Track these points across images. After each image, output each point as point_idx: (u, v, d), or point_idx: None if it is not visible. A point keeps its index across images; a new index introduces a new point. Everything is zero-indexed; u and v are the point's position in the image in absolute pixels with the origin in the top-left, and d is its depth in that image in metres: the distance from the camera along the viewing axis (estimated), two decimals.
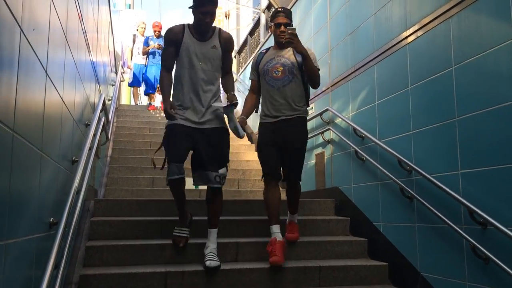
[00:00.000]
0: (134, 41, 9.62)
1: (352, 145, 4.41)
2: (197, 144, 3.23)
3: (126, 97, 12.78)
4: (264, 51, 3.71)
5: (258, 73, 3.67)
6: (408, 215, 3.56)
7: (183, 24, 3.28)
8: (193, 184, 3.36)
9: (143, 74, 9.29)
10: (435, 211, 3.17)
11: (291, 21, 3.55)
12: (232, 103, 3.18)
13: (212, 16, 3.13)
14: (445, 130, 3.15)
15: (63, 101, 2.63)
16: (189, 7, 3.17)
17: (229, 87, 3.46)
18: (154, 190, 5.14)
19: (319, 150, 5.29)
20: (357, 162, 4.34)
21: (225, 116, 3.34)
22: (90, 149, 3.52)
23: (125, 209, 4.12)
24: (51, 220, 2.37)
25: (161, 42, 8.82)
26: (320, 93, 5.28)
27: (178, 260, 3.45)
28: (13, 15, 1.58)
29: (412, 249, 3.50)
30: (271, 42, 7.64)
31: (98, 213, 4.03)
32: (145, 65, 9.25)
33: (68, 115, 2.87)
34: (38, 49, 1.98)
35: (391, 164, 3.75)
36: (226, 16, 18.17)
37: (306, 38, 5.80)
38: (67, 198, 2.58)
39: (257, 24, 9.78)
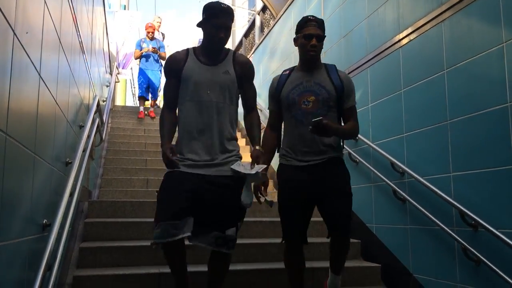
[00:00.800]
0: None
1: (346, 147, 4.43)
2: (201, 194, 2.44)
3: (121, 98, 12.77)
4: (287, 72, 2.78)
5: (279, 103, 2.75)
6: (400, 217, 3.59)
7: (187, 49, 2.59)
8: (190, 242, 2.49)
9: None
10: (427, 213, 3.19)
11: (324, 33, 2.70)
12: (259, 171, 2.38)
13: (227, 31, 2.45)
14: (437, 132, 3.18)
15: (56, 102, 2.63)
16: (197, 25, 2.50)
17: (254, 132, 2.60)
18: (149, 191, 5.14)
19: None
20: (351, 164, 4.36)
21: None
22: (84, 150, 3.52)
23: (119, 210, 4.12)
24: (44, 221, 2.37)
25: (154, 45, 8.54)
26: None
27: None
28: (5, 18, 1.59)
29: (405, 251, 3.52)
30: (265, 44, 7.67)
31: (92, 214, 4.03)
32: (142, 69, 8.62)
33: (62, 116, 2.87)
34: (31, 51, 1.99)
35: (384, 166, 3.78)
36: None
37: None
38: (60, 199, 2.58)
39: (252, 25, 9.80)
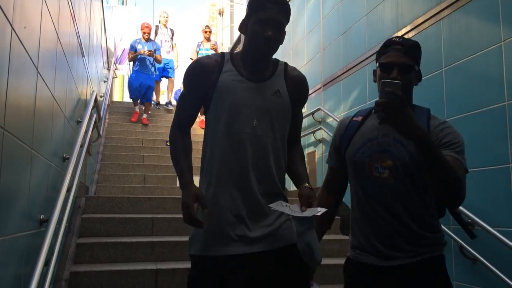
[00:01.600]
0: (156, 33, 8.70)
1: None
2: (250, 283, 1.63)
3: (119, 94, 12.75)
4: (359, 118, 1.85)
5: (342, 158, 1.83)
6: None
7: (222, 53, 1.77)
8: None
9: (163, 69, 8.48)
10: None
11: (416, 61, 1.74)
12: (313, 214, 1.54)
13: (278, 30, 1.64)
14: None
15: (54, 98, 2.62)
16: (240, 28, 1.75)
17: (300, 169, 1.79)
18: (146, 187, 5.14)
19: (311, 149, 5.32)
20: None
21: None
22: (82, 146, 3.51)
23: (116, 206, 4.12)
24: (41, 217, 2.37)
25: (150, 47, 7.79)
26: (312, 92, 5.30)
27: (168, 258, 3.46)
28: (3, 12, 1.58)
29: None
30: None
31: (89, 210, 4.03)
32: (135, 70, 7.86)
33: (59, 112, 2.87)
34: (29, 46, 1.98)
35: None
36: (220, 13, 18.19)
37: (299, 37, 5.82)
38: (58, 195, 2.58)
39: None
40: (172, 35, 9.05)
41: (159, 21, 8.94)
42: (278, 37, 1.65)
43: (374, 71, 1.78)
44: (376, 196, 1.68)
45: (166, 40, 8.71)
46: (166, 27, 8.87)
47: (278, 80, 1.74)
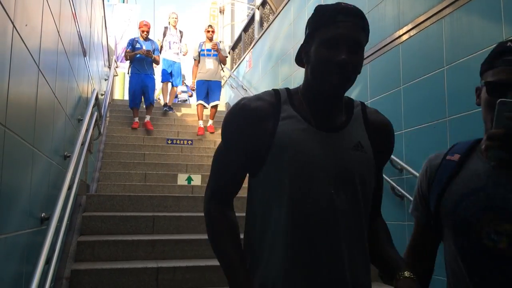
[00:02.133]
0: (164, 34, 8.45)
1: None
2: None
3: (120, 92, 12.75)
4: (455, 157, 1.28)
5: (432, 212, 1.33)
6: (399, 213, 3.60)
7: (275, 92, 1.24)
8: None
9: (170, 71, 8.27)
10: None
11: None
12: None
13: (356, 52, 1.16)
14: (436, 129, 3.18)
15: (55, 96, 2.62)
16: (297, 59, 1.28)
17: (391, 252, 1.27)
18: (147, 185, 5.14)
19: None
20: None
21: None
22: (83, 144, 3.51)
23: (117, 204, 4.12)
24: (42, 215, 2.37)
25: (149, 47, 7.45)
26: None
27: (169, 256, 3.47)
28: (5, 10, 1.58)
29: (402, 248, 3.52)
30: (265, 39, 7.62)
31: (90, 208, 4.03)
32: (129, 73, 7.52)
33: (61, 110, 2.87)
34: (31, 44, 1.98)
35: None
36: (220, 12, 18.17)
37: (300, 36, 5.81)
38: (59, 193, 2.58)
39: (251, 20, 9.76)
40: (181, 36, 8.78)
41: (168, 22, 8.65)
42: (356, 62, 1.13)
43: (478, 90, 1.26)
44: (490, 277, 1.11)
45: (174, 42, 8.46)
46: (176, 29, 8.59)
47: (358, 128, 1.22)
